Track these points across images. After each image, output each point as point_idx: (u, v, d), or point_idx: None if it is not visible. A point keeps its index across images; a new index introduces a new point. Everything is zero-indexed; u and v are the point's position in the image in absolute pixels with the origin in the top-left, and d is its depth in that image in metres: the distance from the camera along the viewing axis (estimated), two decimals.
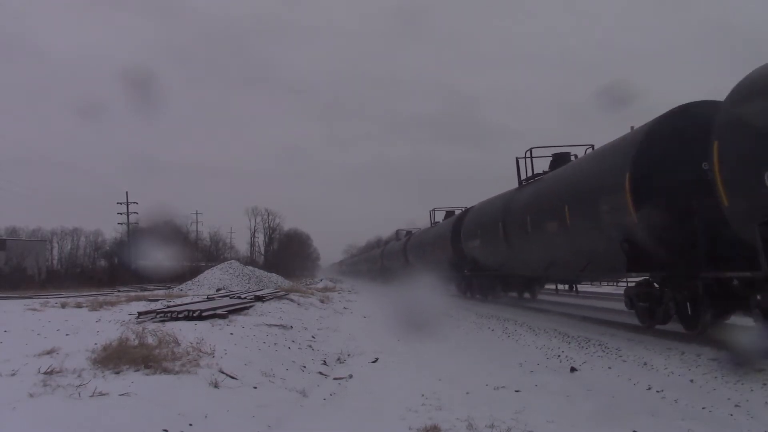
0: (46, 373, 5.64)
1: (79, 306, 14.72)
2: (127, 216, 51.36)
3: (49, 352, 6.82)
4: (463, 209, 25.01)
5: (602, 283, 19.72)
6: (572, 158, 14.84)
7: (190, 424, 4.69)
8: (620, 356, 8.35)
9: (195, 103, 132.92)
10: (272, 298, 17.36)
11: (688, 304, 9.04)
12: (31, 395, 4.89)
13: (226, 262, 36.04)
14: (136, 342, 7.22)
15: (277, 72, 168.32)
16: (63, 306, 14.76)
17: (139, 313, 11.70)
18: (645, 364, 7.71)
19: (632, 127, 11.21)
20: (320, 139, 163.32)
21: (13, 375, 5.61)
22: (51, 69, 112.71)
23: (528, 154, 16.10)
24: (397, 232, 45.48)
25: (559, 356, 8.68)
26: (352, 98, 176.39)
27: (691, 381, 6.63)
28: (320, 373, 7.82)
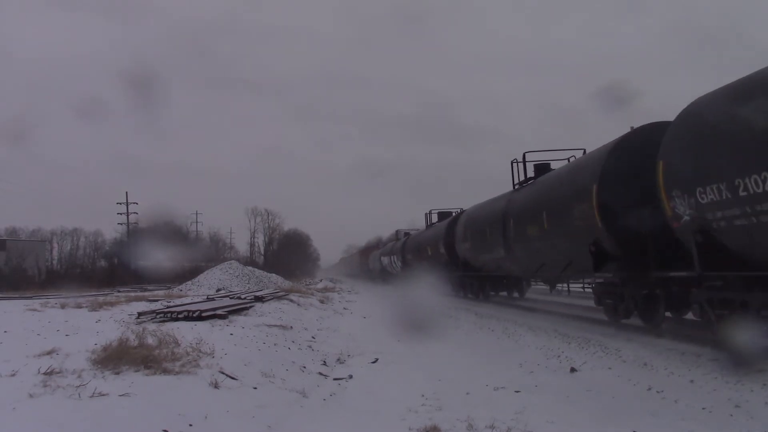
0: (46, 373, 5.64)
1: (79, 306, 14.70)
2: (127, 216, 51.42)
3: (49, 353, 6.82)
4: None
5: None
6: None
7: (190, 425, 4.69)
8: (620, 356, 8.35)
9: (182, 104, 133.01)
10: (272, 299, 17.37)
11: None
12: (31, 396, 4.89)
13: (225, 263, 35.99)
14: (136, 342, 7.22)
15: (257, 73, 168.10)
16: (63, 306, 14.73)
17: (139, 314, 11.70)
18: (645, 364, 7.70)
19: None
20: (309, 140, 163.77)
21: (13, 375, 5.61)
22: (24, 69, 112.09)
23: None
24: (397, 233, 45.62)
25: (559, 356, 8.68)
26: (335, 100, 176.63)
27: (691, 381, 6.63)
28: (320, 373, 7.82)
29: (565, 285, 17.58)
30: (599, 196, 10.51)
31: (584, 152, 13.78)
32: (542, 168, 16.05)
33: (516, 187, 16.81)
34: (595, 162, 11.26)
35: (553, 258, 13.31)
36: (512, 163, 16.84)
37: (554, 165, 15.82)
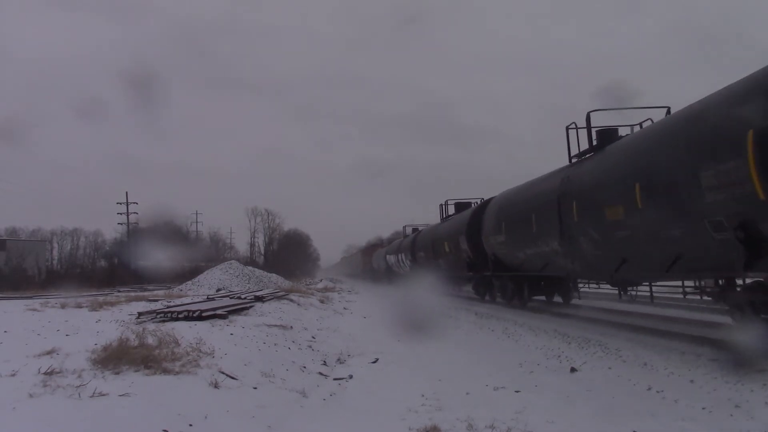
0: (46, 373, 5.63)
1: (79, 306, 14.69)
2: (127, 216, 51.56)
3: (49, 353, 6.82)
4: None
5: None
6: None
7: (190, 425, 4.69)
8: (620, 356, 8.35)
9: (182, 104, 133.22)
10: (272, 299, 17.36)
11: None
12: (31, 395, 4.89)
13: (225, 263, 36.01)
14: (136, 342, 7.22)
15: (257, 73, 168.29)
16: (63, 306, 14.73)
17: (139, 314, 11.69)
18: (645, 364, 7.71)
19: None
20: (307, 140, 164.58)
21: (13, 375, 5.61)
22: (24, 69, 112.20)
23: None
24: (404, 229, 41.42)
25: (559, 356, 8.68)
26: (335, 100, 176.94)
27: (691, 381, 6.63)
28: (320, 373, 7.82)
29: (633, 289, 13.35)
30: (762, 147, 6.56)
31: (668, 111, 10.50)
32: (607, 134, 11.88)
33: (573, 160, 13.01)
34: (748, 94, 7.16)
35: (647, 251, 9.73)
36: (568, 129, 12.87)
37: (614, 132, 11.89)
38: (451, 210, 27.04)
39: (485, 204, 19.82)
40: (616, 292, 13.43)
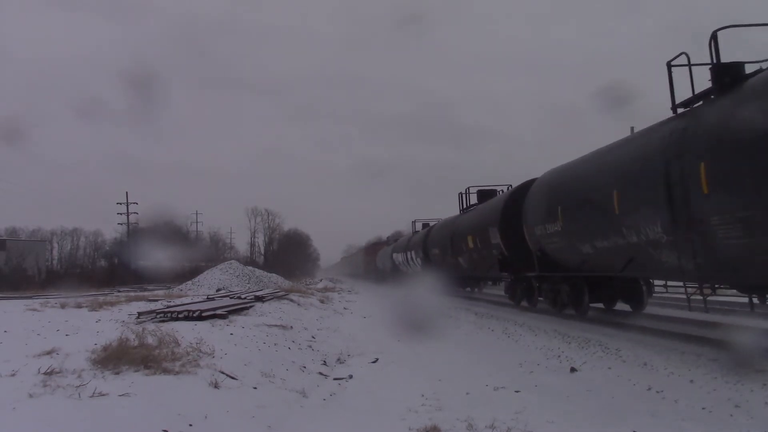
0: (45, 373, 5.63)
1: (79, 306, 14.69)
2: (127, 216, 51.58)
3: (48, 353, 6.81)
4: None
5: None
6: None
7: (190, 425, 4.69)
8: (620, 356, 8.35)
9: (182, 104, 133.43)
10: (272, 299, 17.37)
11: None
12: (30, 395, 4.89)
13: (226, 263, 36.06)
14: (136, 342, 7.22)
15: (257, 73, 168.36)
16: (63, 306, 14.71)
17: (139, 314, 11.70)
18: (645, 364, 7.71)
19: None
20: (307, 140, 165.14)
21: (13, 375, 5.61)
22: (24, 69, 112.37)
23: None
24: (413, 224, 37.30)
25: (558, 356, 8.68)
26: (334, 100, 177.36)
27: (691, 381, 6.63)
28: (320, 373, 7.82)
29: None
30: None
31: None
32: (727, 69, 8.07)
33: (676, 110, 8.99)
34: None
35: None
36: (670, 65, 8.83)
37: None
38: (474, 199, 22.60)
39: (525, 187, 15.86)
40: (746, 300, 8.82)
